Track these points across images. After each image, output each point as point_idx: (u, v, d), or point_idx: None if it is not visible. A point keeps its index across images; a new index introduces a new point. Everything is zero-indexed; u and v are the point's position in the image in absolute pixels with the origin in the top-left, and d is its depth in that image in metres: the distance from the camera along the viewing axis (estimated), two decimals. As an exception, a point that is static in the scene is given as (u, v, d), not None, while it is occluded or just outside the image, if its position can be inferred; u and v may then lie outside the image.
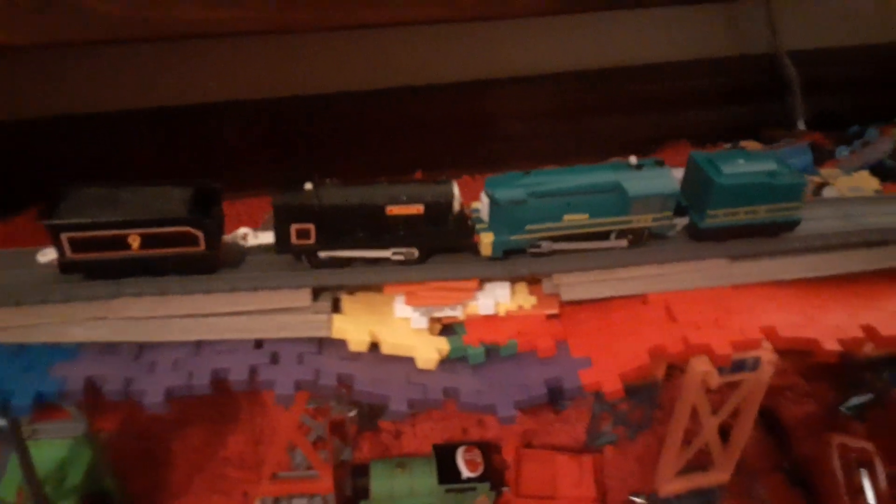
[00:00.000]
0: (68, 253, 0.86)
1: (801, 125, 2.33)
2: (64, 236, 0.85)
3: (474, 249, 0.97)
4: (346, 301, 0.96)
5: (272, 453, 1.06)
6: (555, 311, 0.99)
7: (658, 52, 2.28)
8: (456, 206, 0.93)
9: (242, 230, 0.97)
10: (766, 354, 0.93)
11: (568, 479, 1.20)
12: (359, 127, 2.09)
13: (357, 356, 0.92)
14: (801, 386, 1.46)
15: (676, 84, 2.31)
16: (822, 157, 2.03)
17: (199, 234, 0.88)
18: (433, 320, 0.97)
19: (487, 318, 0.98)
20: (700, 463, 1.11)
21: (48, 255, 0.90)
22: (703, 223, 0.99)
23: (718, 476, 1.09)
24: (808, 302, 0.98)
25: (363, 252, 0.94)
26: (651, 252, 1.00)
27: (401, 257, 0.95)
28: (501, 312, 0.98)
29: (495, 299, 0.98)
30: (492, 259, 0.97)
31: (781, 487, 1.28)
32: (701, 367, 0.92)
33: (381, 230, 0.92)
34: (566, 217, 0.94)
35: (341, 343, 0.92)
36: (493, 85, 2.18)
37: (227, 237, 0.97)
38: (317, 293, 0.93)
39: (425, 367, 0.93)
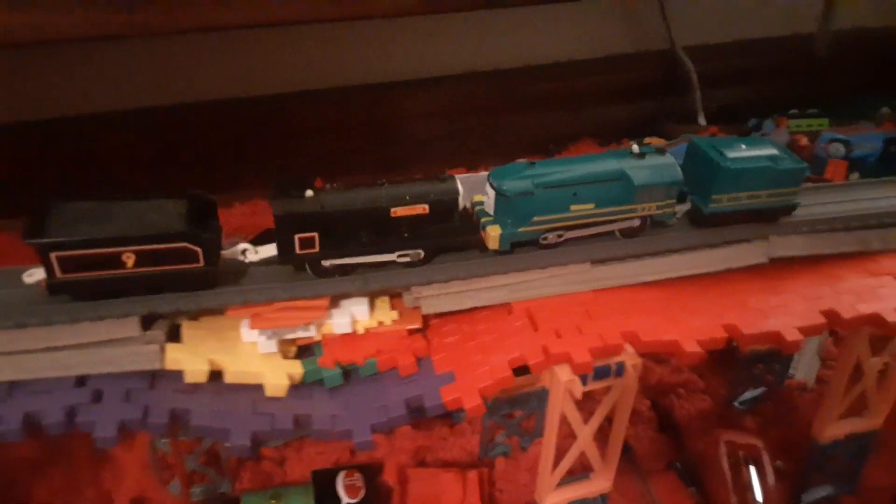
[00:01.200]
0: (58, 273, 0.80)
1: (702, 120, 2.36)
2: (53, 255, 0.79)
3: (481, 245, 0.94)
4: (187, 328, 0.88)
5: (119, 498, 0.98)
6: (417, 325, 0.94)
7: (560, 51, 2.28)
8: (461, 202, 0.91)
9: (241, 245, 0.93)
10: (631, 359, 0.90)
11: (453, 498, 1.16)
12: (252, 135, 2.01)
13: (196, 388, 0.85)
14: (695, 383, 1.46)
15: (580, 82, 2.31)
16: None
17: (198, 249, 0.83)
18: (285, 343, 0.91)
19: (346, 337, 0.92)
20: (583, 471, 1.08)
21: (36, 274, 0.83)
22: (707, 208, 0.98)
23: (600, 484, 1.06)
24: (673, 303, 0.96)
25: (368, 257, 0.91)
26: (512, 260, 0.96)
27: (407, 259, 0.92)
28: (360, 330, 0.93)
29: (352, 317, 0.92)
30: (498, 253, 0.94)
31: (674, 486, 1.27)
32: (564, 376, 0.88)
33: (385, 233, 0.90)
34: (573, 207, 0.92)
35: (179, 375, 0.85)
36: (394, 88, 2.13)
37: (225, 251, 0.91)
38: (149, 322, 0.86)
39: (274, 395, 0.87)
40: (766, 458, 1.23)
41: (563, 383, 0.88)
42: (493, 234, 0.92)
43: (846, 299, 0.95)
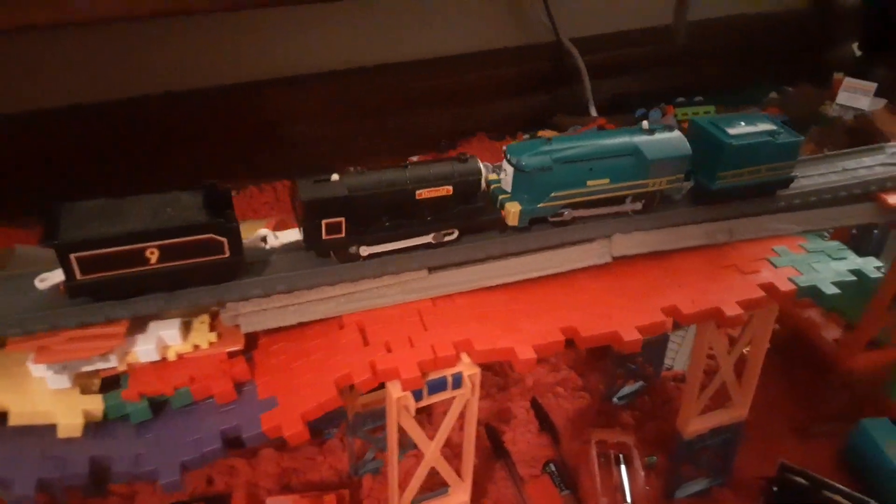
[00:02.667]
0: (78, 275, 0.77)
1: (593, 111, 2.36)
2: (73, 256, 0.75)
3: (501, 225, 0.94)
4: (-36, 366, 0.78)
5: None
6: (238, 346, 0.86)
7: (447, 45, 2.22)
8: (483, 183, 0.91)
9: (262, 232, 0.90)
10: (469, 369, 0.85)
11: (308, 524, 1.09)
12: (117, 140, 1.88)
13: (-27, 435, 0.75)
14: (573, 380, 1.43)
15: (469, 76, 2.26)
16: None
17: (224, 240, 0.81)
18: (84, 376, 0.81)
19: (156, 365, 0.84)
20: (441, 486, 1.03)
21: (49, 279, 0.79)
22: (713, 185, 0.99)
23: (459, 498, 1.01)
24: (514, 307, 0.92)
25: (399, 243, 0.89)
26: (345, 270, 0.89)
27: (430, 242, 0.91)
28: (171, 356, 0.84)
29: (161, 342, 0.83)
30: (517, 229, 0.94)
31: (549, 490, 1.23)
32: (395, 392, 0.82)
33: (408, 216, 0.88)
34: (590, 182, 0.93)
35: (-48, 421, 0.75)
36: (269, 86, 2.04)
37: (246, 240, 0.87)
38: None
39: (67, 436, 0.77)
40: (636, 456, 1.20)
41: (394, 400, 0.83)
42: (512, 211, 0.92)
43: (688, 294, 0.93)
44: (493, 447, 1.30)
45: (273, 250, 0.90)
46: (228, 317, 0.86)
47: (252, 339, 0.89)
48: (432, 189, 0.87)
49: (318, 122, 2.11)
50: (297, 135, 2.11)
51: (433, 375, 0.84)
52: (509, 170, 0.92)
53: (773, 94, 2.55)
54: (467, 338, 0.85)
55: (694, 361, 1.06)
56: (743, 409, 1.13)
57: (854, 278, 0.95)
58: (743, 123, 1.00)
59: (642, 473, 1.19)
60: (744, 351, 1.10)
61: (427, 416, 1.28)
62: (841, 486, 1.11)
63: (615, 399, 1.40)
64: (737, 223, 1.02)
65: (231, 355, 0.86)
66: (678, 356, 1.50)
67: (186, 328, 0.86)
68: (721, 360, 1.06)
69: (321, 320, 0.89)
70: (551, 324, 0.88)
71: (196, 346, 0.85)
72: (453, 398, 0.88)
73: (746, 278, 0.95)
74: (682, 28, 2.23)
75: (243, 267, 0.85)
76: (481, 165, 0.90)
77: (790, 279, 0.94)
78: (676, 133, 0.96)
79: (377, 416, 1.16)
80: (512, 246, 0.95)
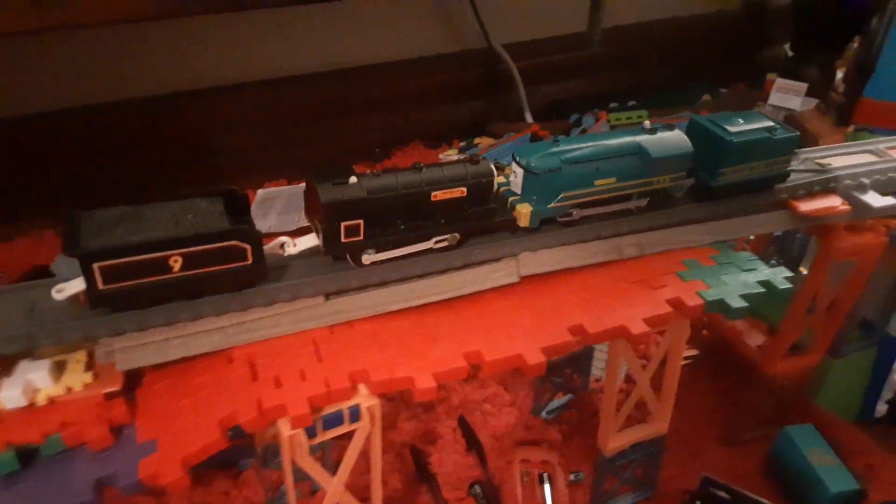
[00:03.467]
0: (101, 284, 0.75)
1: (529, 117, 2.34)
2: (97, 266, 0.74)
3: (512, 226, 0.95)
4: None
5: None
6: (115, 387, 0.80)
7: (379, 52, 2.18)
8: (495, 184, 0.92)
9: (281, 239, 0.89)
10: (367, 400, 0.81)
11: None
12: (38, 154, 1.79)
13: None
14: (501, 396, 1.40)
15: (403, 84, 2.22)
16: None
17: (247, 247, 0.80)
18: (-59, 427, 0.75)
19: (25, 410, 0.77)
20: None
21: (67, 289, 0.78)
22: (715, 181, 1.01)
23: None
24: (417, 332, 0.88)
25: (409, 247, 0.89)
26: (232, 300, 0.84)
27: (444, 244, 0.91)
28: (42, 400, 0.78)
29: (29, 385, 0.77)
30: (528, 230, 0.95)
31: (474, 514, 1.20)
32: (285, 430, 0.78)
33: (423, 218, 0.88)
34: (597, 182, 0.94)
35: None
36: (198, 97, 1.96)
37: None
38: None
39: (-84, 495, 0.71)
40: (560, 474, 1.18)
41: (285, 439, 0.78)
42: (524, 212, 0.93)
43: (595, 312, 0.90)
44: (418, 470, 1.26)
45: (291, 257, 0.89)
46: (102, 353, 0.80)
47: (135, 378, 0.83)
48: (447, 191, 0.88)
49: (247, 132, 2.04)
50: (224, 146, 2.04)
51: (329, 409, 0.80)
52: (519, 172, 0.93)
53: (707, 97, 2.58)
54: (364, 368, 0.81)
55: (609, 378, 1.03)
56: (663, 423, 1.11)
57: (763, 290, 0.94)
58: (741, 121, 1.02)
59: (566, 492, 1.17)
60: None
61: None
62: (762, 500, 1.10)
63: (544, 413, 1.38)
64: (646, 236, 1.00)
65: (109, 396, 0.80)
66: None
67: (59, 368, 0.80)
68: (636, 375, 1.04)
69: (209, 354, 0.84)
70: (455, 349, 0.85)
71: (69, 389, 0.79)
72: (354, 431, 0.84)
73: (654, 294, 0.93)
74: (595, 35, 2.23)
75: (265, 273, 0.84)
76: (493, 167, 0.91)
77: (698, 293, 0.93)
78: (677, 132, 0.98)
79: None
80: (525, 245, 0.95)
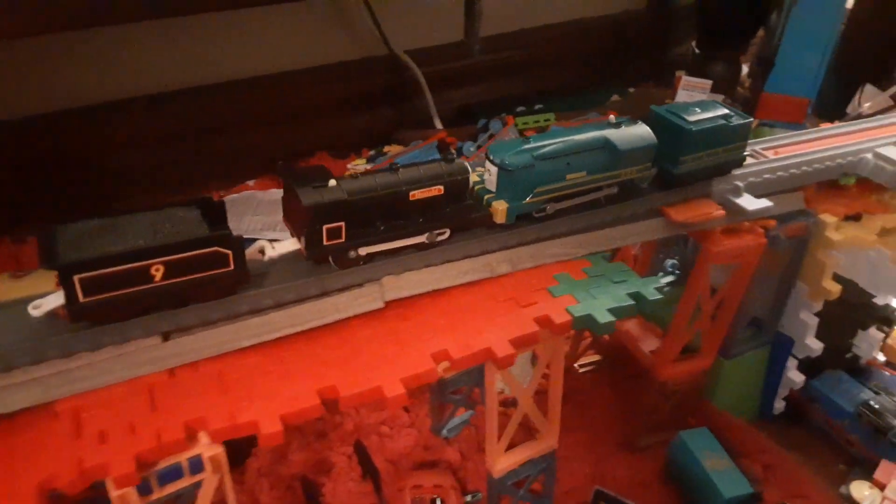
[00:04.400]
0: (81, 297, 0.74)
1: (438, 123, 2.30)
2: (77, 278, 0.73)
3: (490, 222, 0.96)
4: None
5: None
6: (-79, 455, 0.72)
7: (279, 61, 2.10)
8: (471, 181, 0.94)
9: (260, 243, 0.88)
10: (210, 450, 0.75)
11: None
12: None
13: None
14: (400, 416, 1.35)
15: (306, 93, 2.15)
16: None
17: (229, 252, 0.80)
18: None
19: None
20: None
21: (44, 305, 0.76)
22: (677, 170, 1.04)
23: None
24: (271, 370, 0.82)
25: (395, 242, 0.90)
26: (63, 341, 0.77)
27: (434, 239, 0.93)
28: None
29: None
30: (504, 227, 0.96)
31: (367, 546, 1.15)
32: (112, 490, 0.71)
33: (401, 217, 0.89)
34: (568, 176, 0.96)
35: None
36: (86, 114, 1.84)
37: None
38: None
39: None
40: (453, 498, 1.14)
41: (113, 498, 0.71)
42: (500, 209, 0.93)
43: (462, 336, 0.87)
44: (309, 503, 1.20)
45: (272, 262, 0.88)
46: None
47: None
48: (425, 189, 0.88)
49: (145, 148, 1.93)
50: (113, 166, 1.92)
51: (165, 462, 0.73)
52: (493, 170, 0.95)
53: (616, 97, 2.60)
54: (202, 415, 0.75)
55: (489, 400, 1.00)
56: (552, 439, 1.09)
57: (632, 302, 0.92)
58: (698, 110, 1.06)
59: (460, 515, 1.13)
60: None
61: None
62: (652, 509, 1.08)
63: (444, 431, 1.34)
64: (517, 252, 0.97)
65: None
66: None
67: None
68: (516, 393, 1.01)
69: (32, 409, 0.76)
70: (308, 385, 0.79)
71: None
72: (201, 481, 0.77)
73: (523, 312, 0.90)
74: (474, 43, 2.20)
75: (248, 278, 0.83)
76: (468, 164, 0.93)
77: (567, 309, 0.90)
78: (641, 124, 1.02)
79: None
80: (503, 241, 0.96)
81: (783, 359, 1.34)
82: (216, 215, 0.82)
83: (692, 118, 1.03)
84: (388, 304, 0.91)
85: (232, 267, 0.80)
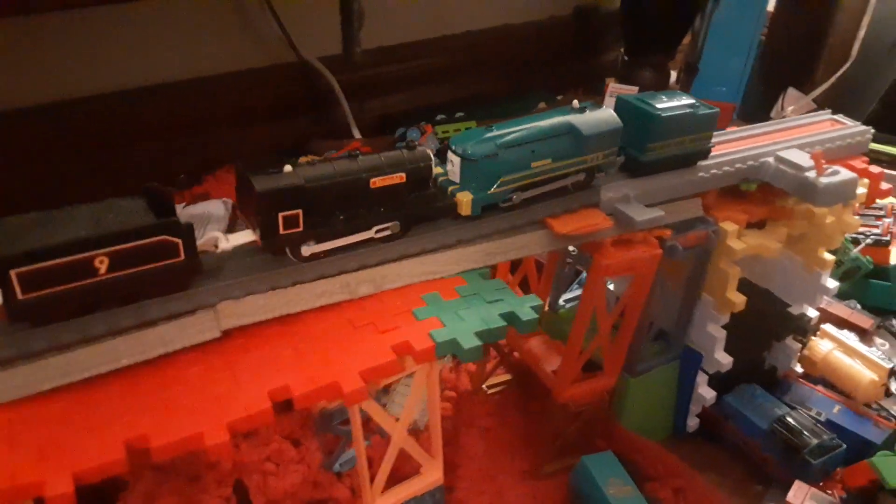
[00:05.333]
0: (19, 294, 0.68)
1: (356, 132, 2.21)
2: (14, 273, 0.67)
3: (452, 213, 0.94)
4: None
5: None
6: None
7: (176, 69, 1.97)
8: (434, 169, 0.92)
9: (214, 234, 0.86)
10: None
11: None
12: None
13: None
14: (287, 452, 1.24)
15: (208, 102, 2.03)
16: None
17: (178, 241, 0.76)
18: None
19: None
20: None
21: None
22: (644, 157, 1.04)
23: None
24: (74, 418, 0.71)
25: (349, 238, 0.87)
26: None
27: (387, 233, 0.89)
28: None
29: None
30: (469, 218, 0.94)
31: None
32: None
33: (362, 206, 0.87)
34: (534, 164, 0.94)
35: None
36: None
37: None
38: None
39: None
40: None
41: None
42: (464, 200, 0.92)
43: (309, 368, 0.77)
44: (175, 555, 1.08)
45: (225, 254, 0.85)
46: None
47: None
48: (386, 177, 0.86)
49: (21, 165, 1.78)
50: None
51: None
52: (456, 160, 0.93)
53: (543, 104, 2.54)
54: (-18, 473, 0.63)
55: (355, 438, 0.90)
56: (436, 473, 0.99)
57: (503, 324, 0.83)
58: (665, 98, 1.05)
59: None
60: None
61: None
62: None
63: (337, 466, 1.23)
64: (382, 270, 0.88)
65: None
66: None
67: None
68: (388, 428, 0.91)
69: None
70: (114, 436, 0.68)
71: None
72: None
73: (382, 339, 0.80)
74: (354, 54, 2.10)
75: (199, 271, 0.79)
76: (430, 152, 0.90)
77: (430, 334, 0.81)
78: (606, 109, 1.00)
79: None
80: (466, 233, 0.93)
81: (693, 374, 1.27)
82: (163, 205, 0.77)
83: (660, 105, 1.03)
84: (229, 333, 0.81)
85: (182, 257, 0.76)
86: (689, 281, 1.19)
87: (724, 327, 1.22)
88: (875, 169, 1.27)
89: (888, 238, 1.52)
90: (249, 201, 0.81)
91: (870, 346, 1.41)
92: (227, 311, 0.80)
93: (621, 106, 1.05)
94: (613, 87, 2.54)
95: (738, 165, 1.12)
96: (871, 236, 1.53)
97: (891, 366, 1.33)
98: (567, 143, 0.96)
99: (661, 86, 2.78)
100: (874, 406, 1.35)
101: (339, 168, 0.83)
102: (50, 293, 0.70)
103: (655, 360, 1.25)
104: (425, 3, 2.36)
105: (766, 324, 1.35)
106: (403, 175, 0.87)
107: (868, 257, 1.50)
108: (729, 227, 1.12)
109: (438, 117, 2.18)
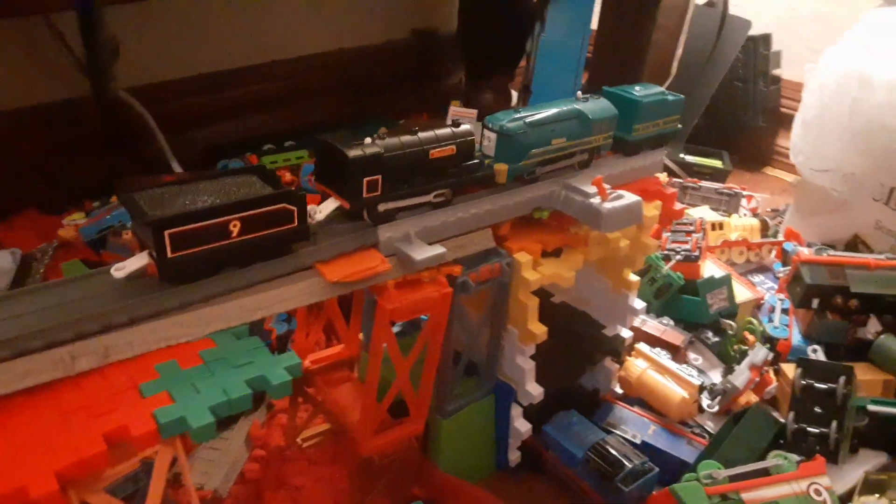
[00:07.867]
0: (169, 252, 0.77)
1: (176, 167, 2.05)
2: (167, 233, 0.76)
3: (492, 182, 1.07)
4: None
5: None
6: None
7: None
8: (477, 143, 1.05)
9: (310, 207, 0.91)
10: None
11: None
12: None
13: None
14: None
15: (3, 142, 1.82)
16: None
17: (294, 209, 0.85)
18: None
19: None
20: None
21: (127, 266, 0.80)
22: (631, 137, 1.21)
23: None
24: None
25: (415, 199, 0.99)
26: None
27: (441, 198, 1.01)
28: None
29: None
30: (505, 186, 1.08)
31: None
32: None
33: (421, 174, 0.98)
34: (554, 141, 1.10)
35: None
36: None
37: None
38: None
39: None
40: None
41: None
42: (501, 170, 1.05)
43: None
44: None
45: (319, 224, 0.94)
46: None
47: None
48: (441, 149, 0.98)
49: None
50: None
51: None
52: (492, 136, 1.06)
53: (384, 129, 2.49)
54: None
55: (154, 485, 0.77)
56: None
57: (248, 392, 0.74)
58: (639, 88, 1.23)
59: None
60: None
61: None
62: None
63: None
64: (119, 335, 0.76)
65: None
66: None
67: None
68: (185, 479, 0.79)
69: None
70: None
71: None
72: None
73: (93, 425, 0.69)
74: (108, 90, 1.90)
75: (307, 235, 0.89)
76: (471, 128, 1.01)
77: (154, 413, 0.70)
78: (602, 99, 1.16)
79: None
80: (505, 200, 1.08)
81: (508, 408, 1.23)
82: (273, 181, 0.89)
83: (640, 93, 1.21)
84: None
85: (296, 223, 0.86)
86: (493, 313, 1.15)
87: (541, 354, 1.18)
88: (669, 190, 1.30)
89: (697, 253, 1.57)
90: (333, 171, 0.93)
91: (682, 363, 1.43)
92: None
93: (608, 96, 1.20)
94: (454, 111, 2.52)
95: (527, 195, 1.10)
96: (682, 252, 1.57)
97: (700, 382, 1.36)
98: (577, 125, 1.12)
99: (503, 107, 2.78)
100: (690, 423, 1.37)
101: (405, 141, 0.95)
102: (193, 252, 0.78)
103: (468, 396, 1.20)
104: (252, 27, 2.25)
105: (583, 347, 1.34)
106: (454, 147, 0.99)
107: (679, 273, 1.53)
108: (522, 257, 1.09)
109: (265, 147, 2.06)
